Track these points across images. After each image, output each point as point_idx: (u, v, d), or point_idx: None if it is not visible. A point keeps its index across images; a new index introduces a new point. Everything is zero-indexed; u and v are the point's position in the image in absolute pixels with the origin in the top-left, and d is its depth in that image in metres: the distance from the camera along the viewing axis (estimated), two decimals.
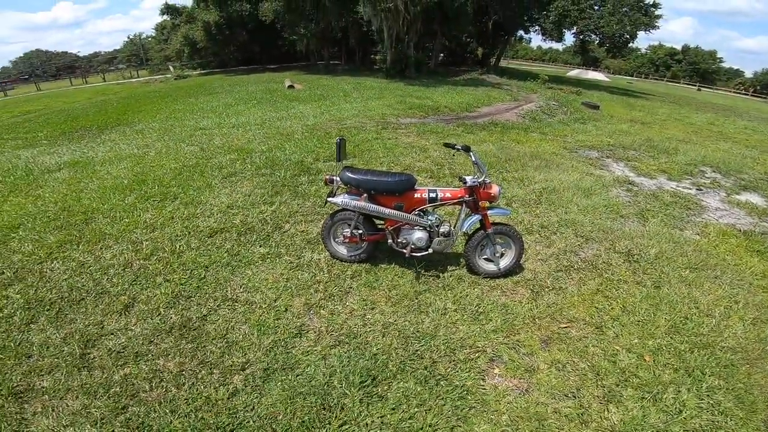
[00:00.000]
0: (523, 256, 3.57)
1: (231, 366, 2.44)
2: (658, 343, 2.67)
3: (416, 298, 3.07)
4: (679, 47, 65.83)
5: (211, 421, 2.09)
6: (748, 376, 2.46)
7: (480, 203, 3.12)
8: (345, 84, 15.39)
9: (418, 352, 2.57)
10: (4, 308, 2.98)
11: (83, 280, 3.27)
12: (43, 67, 68.22)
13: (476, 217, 3.17)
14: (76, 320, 2.84)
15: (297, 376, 2.37)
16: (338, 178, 3.25)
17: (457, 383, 2.35)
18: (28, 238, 3.97)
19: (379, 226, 3.43)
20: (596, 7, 20.61)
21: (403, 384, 2.33)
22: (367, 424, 2.09)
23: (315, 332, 2.73)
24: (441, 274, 3.36)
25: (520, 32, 27.31)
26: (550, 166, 6.34)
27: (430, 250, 3.25)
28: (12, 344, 2.63)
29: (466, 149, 3.04)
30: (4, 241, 3.93)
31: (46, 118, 11.97)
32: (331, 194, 3.33)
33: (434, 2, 16.49)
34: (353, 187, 3.20)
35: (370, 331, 2.75)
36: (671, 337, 2.74)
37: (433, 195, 3.18)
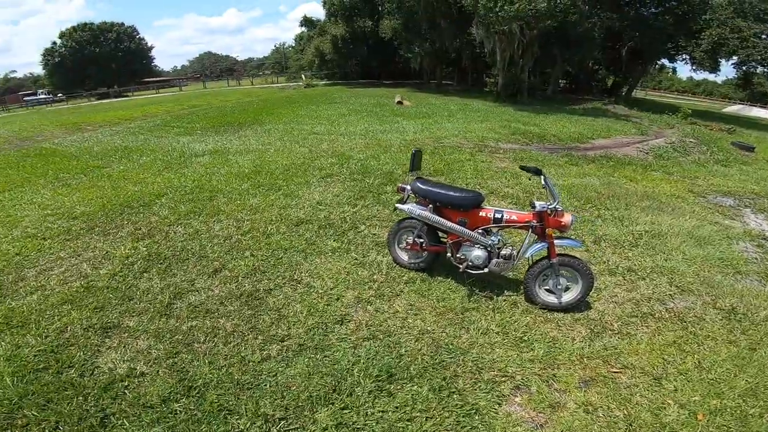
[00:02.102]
0: (593, 294, 3.32)
1: (274, 336, 2.81)
2: (724, 404, 2.33)
3: (461, 314, 3.09)
4: None
5: (236, 377, 2.45)
6: None
7: (548, 230, 3.00)
8: (452, 104, 15.63)
9: (444, 363, 2.61)
10: (131, 257, 3.88)
11: (193, 244, 4.06)
12: (210, 68, 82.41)
13: (542, 245, 3.05)
14: (176, 275, 3.54)
15: (324, 357, 2.61)
16: (409, 187, 3.42)
17: (470, 401, 2.34)
18: (166, 205, 5.04)
19: (442, 239, 3.51)
20: (764, 36, 17.19)
21: (416, 388, 2.40)
22: (366, 414, 2.22)
23: (355, 323, 2.95)
24: (495, 296, 3.31)
25: (664, 61, 24.26)
26: (662, 208, 5.62)
27: (486, 270, 3.22)
28: (123, 287, 3.40)
29: (537, 172, 2.98)
30: (149, 204, 5.06)
31: (205, 112, 14.68)
32: (401, 201, 3.50)
33: (553, 26, 15.67)
34: (421, 197, 3.34)
35: (405, 333, 2.86)
36: (743, 400, 2.36)
37: (498, 215, 3.15)
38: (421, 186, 3.34)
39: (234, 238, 4.19)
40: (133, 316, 3.03)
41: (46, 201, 5.67)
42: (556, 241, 3.04)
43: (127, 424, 2.18)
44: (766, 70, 19.17)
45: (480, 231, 3.21)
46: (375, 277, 3.52)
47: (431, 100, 17.38)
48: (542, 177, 2.98)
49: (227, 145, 8.11)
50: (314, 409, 2.23)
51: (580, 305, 3.17)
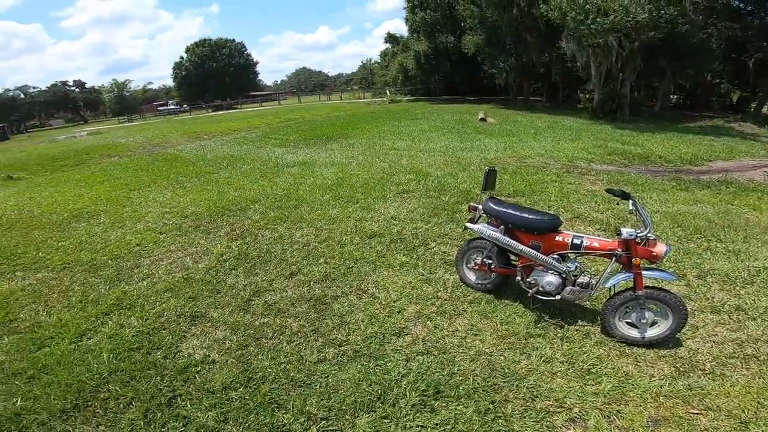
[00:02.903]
0: (686, 332, 2.95)
1: (333, 340, 2.95)
2: None
3: (525, 339, 2.94)
4: None
5: (291, 374, 2.62)
6: None
7: (635, 260, 2.71)
8: (539, 122, 14.86)
9: (496, 386, 2.51)
10: (225, 254, 4.36)
11: (276, 248, 4.44)
12: (305, 82, 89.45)
13: (627, 275, 2.77)
14: (258, 275, 3.91)
15: (376, 365, 2.68)
16: (481, 207, 3.35)
17: (516, 428, 2.21)
18: (258, 210, 5.58)
19: (512, 261, 3.38)
20: None
21: (461, 407, 2.34)
22: (404, 426, 2.21)
23: (412, 337, 2.97)
24: (566, 325, 3.08)
25: None
26: None
27: (558, 297, 3.01)
28: (214, 281, 3.83)
29: (625, 196, 2.74)
30: (245, 209, 5.64)
31: (298, 126, 16.00)
32: (472, 221, 3.44)
33: (658, 37, 13.99)
34: (493, 217, 3.26)
35: (461, 352, 2.81)
36: None
37: (577, 241, 2.94)
38: (493, 206, 3.26)
39: (311, 245, 4.49)
40: (217, 308, 3.42)
41: (166, 200, 6.66)
42: (646, 273, 2.75)
43: (189, 407, 2.44)
44: None
45: (555, 256, 3.02)
46: (439, 294, 3.51)
47: (517, 117, 16.75)
48: (631, 201, 2.72)
49: (315, 157, 8.72)
50: (356, 414, 2.30)
51: (667, 342, 2.84)
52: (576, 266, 3.00)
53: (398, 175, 6.92)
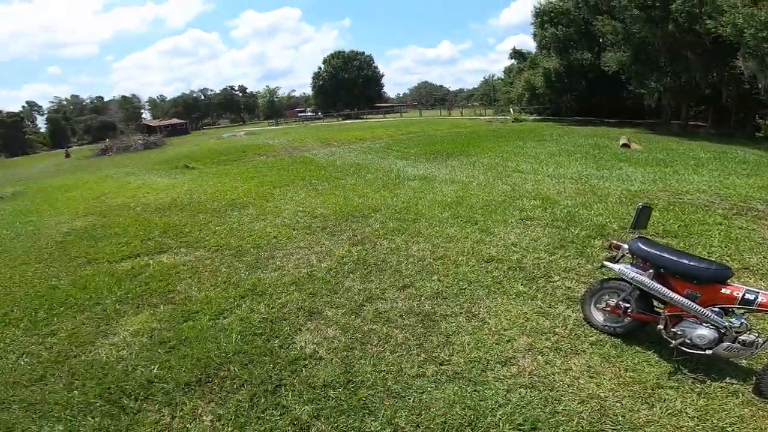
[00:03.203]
0: None
1: (435, 357, 2.91)
2: None
3: (651, 390, 2.58)
4: None
5: (388, 384, 2.65)
6: None
7: None
8: (702, 151, 12.47)
9: None
10: (345, 257, 4.66)
11: (392, 258, 4.59)
12: (426, 96, 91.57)
13: None
14: (373, 282, 4.07)
15: (474, 391, 2.58)
16: (626, 246, 3.06)
17: None
18: (379, 219, 5.85)
19: (656, 308, 3.01)
20: None
21: None
22: None
23: (518, 368, 2.80)
24: (709, 381, 2.63)
25: None
26: None
27: (710, 352, 2.61)
28: (333, 281, 4.11)
29: None
30: (366, 217, 5.98)
31: (419, 139, 16.44)
32: (612, 259, 3.16)
33: None
34: (641, 259, 2.94)
35: (570, 392, 2.57)
36: None
37: (750, 297, 2.51)
38: (643, 247, 2.92)
39: (426, 261, 4.52)
40: (332, 308, 3.66)
41: (300, 199, 7.48)
42: None
43: (290, 397, 2.62)
44: None
45: (716, 309, 2.63)
46: (557, 330, 3.23)
47: (671, 144, 14.37)
48: None
49: (435, 173, 8.82)
50: None
51: None
52: (741, 323, 2.60)
53: (522, 199, 6.55)
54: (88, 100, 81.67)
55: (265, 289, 4.10)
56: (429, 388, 2.64)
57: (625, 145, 13.63)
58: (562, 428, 2.32)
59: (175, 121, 59.00)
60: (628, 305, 3.02)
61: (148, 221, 6.84)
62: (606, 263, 3.14)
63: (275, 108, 75.18)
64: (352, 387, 2.69)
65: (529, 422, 2.35)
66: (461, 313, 3.52)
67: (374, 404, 2.54)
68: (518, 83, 33.73)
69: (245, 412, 2.55)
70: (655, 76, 19.17)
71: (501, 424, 2.35)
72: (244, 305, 3.82)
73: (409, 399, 2.57)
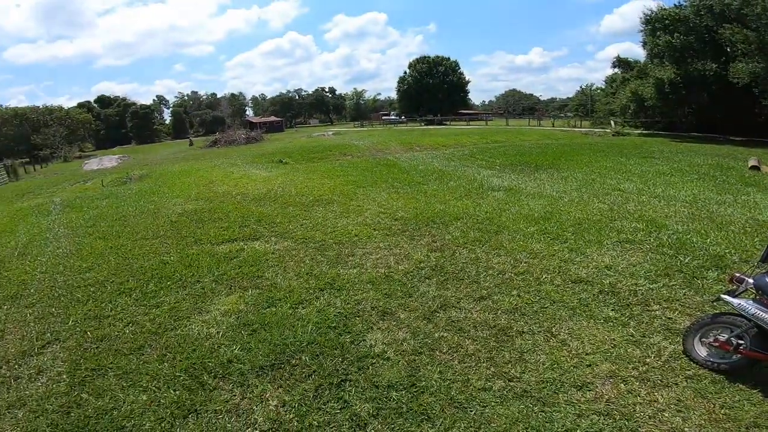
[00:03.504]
0: None
1: (504, 373, 2.80)
2: None
3: (746, 428, 2.31)
4: None
5: (452, 393, 2.62)
6: None
7: None
8: None
9: None
10: (423, 263, 4.66)
11: (471, 268, 4.49)
12: (513, 105, 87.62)
13: None
14: (449, 290, 4.02)
15: (541, 411, 2.45)
16: (751, 281, 2.80)
17: None
18: (459, 228, 5.75)
19: None
20: None
21: None
22: None
23: (595, 395, 2.59)
24: None
25: None
26: None
27: None
28: (408, 285, 4.13)
29: None
30: (447, 224, 5.91)
31: (504, 149, 15.83)
32: (731, 293, 2.89)
33: None
34: (767, 296, 2.68)
35: (651, 424, 2.44)
36: None
37: None
38: None
39: (507, 275, 4.34)
40: (405, 311, 3.69)
41: (382, 201, 7.67)
42: None
43: (353, 392, 2.67)
44: None
45: None
46: (648, 360, 2.93)
47: None
48: None
49: (521, 185, 8.41)
50: None
51: None
52: None
53: (621, 220, 5.94)
54: (204, 96, 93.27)
55: (344, 285, 4.26)
56: (493, 403, 2.56)
57: (754, 167, 11.59)
58: None
59: (272, 118, 64.67)
60: (741, 342, 2.80)
61: (247, 209, 7.56)
62: (724, 296, 2.94)
63: (361, 110, 78.23)
64: (415, 391, 2.69)
65: None
66: (539, 331, 3.34)
67: (434, 411, 2.52)
68: (622, 94, 30.98)
69: (309, 401, 2.64)
70: None
71: None
72: (322, 298, 4.01)
73: (471, 411, 2.51)
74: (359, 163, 13.73)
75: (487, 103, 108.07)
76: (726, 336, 2.89)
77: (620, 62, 34.62)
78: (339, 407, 2.59)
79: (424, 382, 2.76)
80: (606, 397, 2.62)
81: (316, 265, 4.85)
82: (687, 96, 24.26)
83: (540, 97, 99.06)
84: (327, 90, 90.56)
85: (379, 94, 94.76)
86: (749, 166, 11.93)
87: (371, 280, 4.35)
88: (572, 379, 2.77)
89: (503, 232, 5.59)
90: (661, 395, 2.63)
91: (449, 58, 59.05)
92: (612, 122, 30.56)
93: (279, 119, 64.71)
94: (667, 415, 2.48)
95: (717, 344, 2.87)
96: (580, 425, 2.39)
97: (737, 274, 3.00)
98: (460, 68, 59.52)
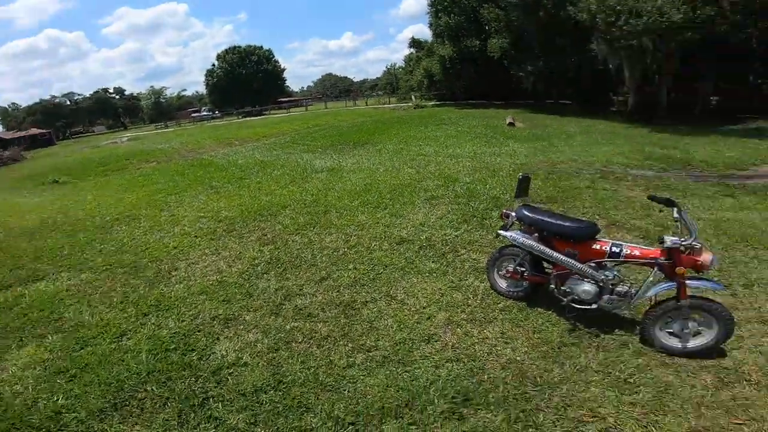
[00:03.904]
0: (735, 343, 2.82)
1: (362, 345, 2.97)
2: None
3: (558, 348, 2.88)
4: None
5: (320, 378, 2.66)
6: None
7: (678, 269, 2.60)
8: (571, 126, 14.45)
9: (527, 395, 2.46)
10: (256, 259, 4.46)
11: (306, 253, 4.51)
12: (331, 89, 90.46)
13: (669, 285, 2.69)
14: (289, 279, 3.98)
15: (404, 371, 2.68)
16: (514, 214, 3.32)
17: None
18: (289, 215, 5.69)
19: (546, 269, 3.32)
20: None
21: (490, 416, 2.32)
22: None
23: (442, 344, 2.96)
24: (601, 334, 2.99)
25: None
26: None
27: (595, 306, 2.94)
28: (247, 285, 3.93)
29: (670, 203, 2.67)
30: (276, 214, 5.77)
31: (324, 132, 16.25)
32: (505, 228, 3.40)
33: (697, 38, 13.31)
34: (527, 225, 3.22)
35: (492, 360, 2.79)
36: None
37: (616, 249, 2.87)
38: (527, 213, 3.23)
39: (341, 251, 4.53)
40: (250, 312, 3.51)
41: (201, 204, 6.90)
42: (690, 282, 2.65)
43: (221, 408, 2.50)
44: None
45: (592, 264, 2.95)
46: (469, 301, 3.48)
47: (546, 121, 16.36)
48: (675, 209, 2.62)
49: (343, 163, 8.82)
50: (383, 420, 2.31)
51: (711, 352, 2.73)
52: (614, 275, 2.93)
53: (426, 181, 6.90)
54: None
55: (172, 303, 3.76)
56: (361, 377, 2.66)
57: (510, 124, 15.14)
58: (491, 396, 2.46)
59: (35, 131, 49.61)
60: (523, 269, 3.30)
61: (15, 248, 5.73)
62: (500, 232, 3.39)
63: (163, 109, 67.42)
64: (284, 387, 2.62)
65: (461, 394, 2.47)
66: (380, 297, 3.60)
67: (310, 401, 2.50)
68: (417, 71, 35.03)
69: (176, 428, 2.38)
70: (530, 61, 21.48)
71: (436, 400, 2.44)
72: (149, 323, 3.48)
73: (344, 390, 2.57)
74: (168, 168, 11.95)
75: (305, 89, 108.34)
76: (512, 266, 3.33)
77: (414, 43, 38.16)
78: (213, 426, 2.37)
79: (290, 377, 2.70)
80: (450, 344, 2.97)
81: (131, 291, 4.09)
82: (462, 70, 29.25)
83: (353, 79, 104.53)
84: (112, 91, 74.53)
85: (185, 90, 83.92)
86: (507, 123, 15.49)
87: (203, 291, 3.93)
88: (420, 335, 3.06)
89: (331, 210, 5.78)
90: (489, 331, 3.10)
91: (262, 47, 57.41)
92: (413, 96, 34.57)
93: (45, 131, 50.04)
94: (499, 348, 2.92)
95: (509, 275, 3.38)
96: (440, 375, 2.62)
97: (505, 211, 3.45)
98: (274, 56, 58.54)
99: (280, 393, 2.57)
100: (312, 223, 5.40)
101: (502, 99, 29.64)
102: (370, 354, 2.88)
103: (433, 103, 31.68)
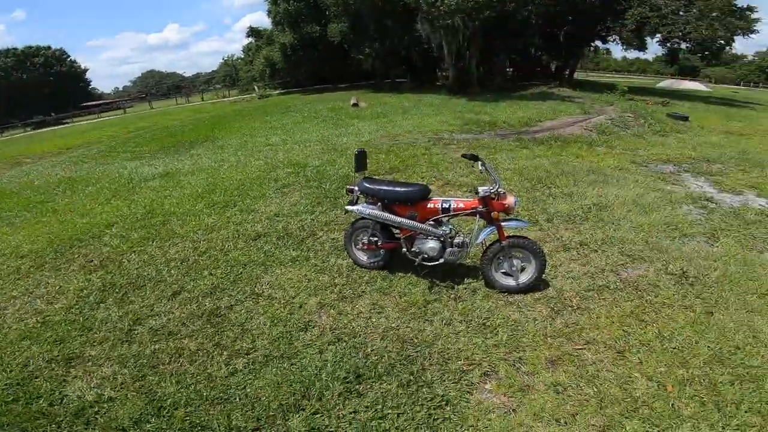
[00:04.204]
0: (553, 273, 3.43)
1: (239, 350, 2.81)
2: (691, 374, 2.40)
3: (424, 307, 3.14)
4: None
5: (204, 394, 2.45)
6: None
7: (493, 214, 3.09)
8: (406, 101, 15.80)
9: (411, 358, 2.65)
10: (85, 289, 3.72)
11: (149, 270, 3.93)
12: (156, 86, 78.83)
13: (490, 229, 3.14)
14: (134, 302, 3.45)
15: (291, 365, 2.64)
16: (357, 188, 3.47)
17: (440, 392, 2.37)
18: (117, 234, 4.82)
19: (396, 235, 3.55)
20: (680, 13, 18.33)
21: (385, 386, 2.43)
22: (338, 416, 2.25)
23: (320, 329, 2.98)
24: (455, 285, 3.38)
25: (597, 42, 25.57)
26: (608, 181, 5.95)
27: (442, 260, 3.28)
28: (81, 319, 3.29)
29: (474, 158, 3.09)
30: (99, 236, 4.83)
31: (152, 134, 14.08)
32: (351, 203, 3.54)
33: (493, 17, 16.13)
34: (369, 196, 3.40)
35: (370, 333, 2.91)
36: (710, 368, 2.44)
37: (446, 205, 3.23)
38: (367, 185, 3.40)
39: (191, 260, 4.09)
40: (94, 346, 2.98)
41: None
42: (503, 224, 3.13)
43: None
44: (689, 45, 20.38)
45: (431, 223, 3.27)
46: (336, 281, 3.54)
47: (386, 99, 17.50)
48: (479, 162, 3.08)
49: (178, 166, 7.82)
50: (286, 417, 2.25)
51: (539, 284, 3.26)
52: (450, 228, 3.28)
53: (276, 170, 6.67)
54: None
55: None
56: (248, 381, 2.51)
57: (355, 105, 15.72)
58: (379, 367, 2.55)
59: None
60: (376, 239, 3.47)
61: None
62: (347, 207, 3.52)
63: None
64: (167, 413, 2.32)
65: (352, 372, 2.51)
66: (246, 298, 3.40)
67: (202, 418, 2.27)
68: (258, 60, 33.47)
69: None
70: (368, 43, 22.45)
71: (330, 384, 2.43)
72: None
73: (235, 399, 2.39)
74: None
75: (122, 89, 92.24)
76: (366, 238, 3.48)
77: (253, 32, 36.24)
78: None
79: (169, 399, 2.40)
80: (328, 326, 2.96)
81: None
82: (304, 56, 28.87)
83: (184, 74, 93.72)
84: None
85: None
86: (351, 104, 16.01)
87: (25, 336, 3.14)
88: (296, 325, 2.99)
89: (171, 219, 5.11)
90: (361, 306, 3.18)
91: (50, 47, 47.92)
92: (255, 87, 32.89)
93: None
94: (374, 320, 3.00)
95: (366, 247, 3.52)
96: (327, 360, 2.62)
97: (348, 187, 3.58)
98: (69, 56, 49.59)
99: (165, 419, 2.29)
100: (149, 237, 4.68)
101: (346, 82, 30.51)
102: (251, 356, 2.73)
103: (278, 92, 30.65)
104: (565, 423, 2.15)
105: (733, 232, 4.31)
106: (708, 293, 3.19)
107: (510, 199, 3.08)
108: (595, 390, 2.35)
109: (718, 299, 3.11)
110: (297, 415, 2.25)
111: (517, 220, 3.27)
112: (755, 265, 3.60)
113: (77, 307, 3.48)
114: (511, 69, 27.47)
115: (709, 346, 2.61)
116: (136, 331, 3.09)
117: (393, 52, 23.64)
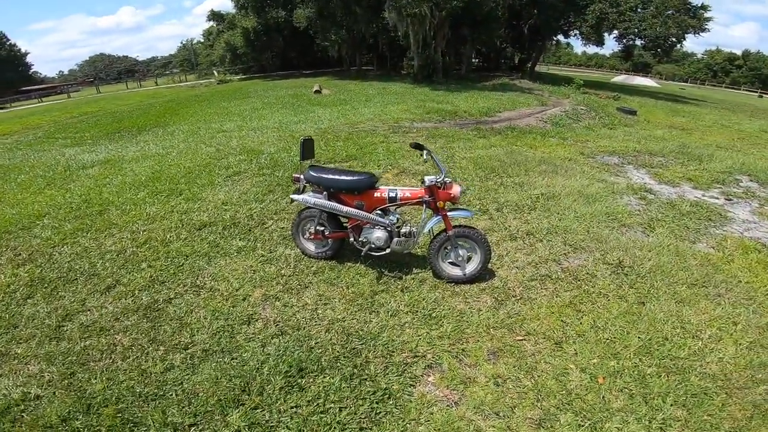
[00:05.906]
0: (499, 262, 3.47)
1: (176, 345, 2.68)
2: (621, 365, 2.47)
3: (371, 298, 3.10)
4: (740, 53, 61.34)
5: (137, 390, 2.33)
6: (720, 408, 2.20)
7: (439, 203, 3.08)
8: (370, 89, 15.64)
9: (355, 350, 2.62)
10: (12, 284, 3.42)
11: (81, 263, 3.66)
12: (105, 70, 73.69)
13: (437, 218, 3.13)
14: (65, 297, 3.21)
15: (231, 359, 2.54)
16: (303, 177, 3.37)
17: (383, 386, 2.35)
18: (49, 225, 4.46)
19: (344, 224, 3.50)
20: (638, 10, 19.25)
21: (328, 379, 2.39)
22: (279, 411, 2.19)
23: (263, 322, 2.88)
24: (403, 276, 3.37)
25: (559, 37, 26.34)
26: (557, 171, 6.14)
27: (389, 250, 3.24)
28: (6, 316, 3.03)
29: (419, 147, 3.06)
30: (29, 227, 4.45)
31: (96, 119, 13.15)
32: (297, 192, 3.43)
33: (460, 6, 16.24)
34: (316, 185, 3.31)
35: (315, 325, 2.85)
36: (639, 359, 2.52)
37: (393, 194, 3.20)
38: (313, 174, 3.31)
39: (128, 251, 3.85)
40: (20, 343, 2.78)
41: None
42: (450, 213, 3.13)
43: None
44: (643, 42, 21.40)
45: (378, 212, 3.23)
46: (283, 271, 3.44)
47: (350, 86, 17.24)
48: (425, 152, 3.05)
49: (122, 153, 7.33)
50: (225, 412, 2.18)
51: (485, 274, 3.29)
52: (397, 218, 3.25)
53: (227, 158, 6.40)
54: None
55: None
56: (185, 376, 2.40)
57: (317, 92, 15.38)
58: (323, 360, 2.50)
59: None
60: (323, 228, 3.38)
61: None
62: (293, 196, 3.39)
63: None
64: (96, 410, 2.20)
65: (295, 366, 2.44)
66: (186, 290, 3.23)
67: (135, 415, 2.17)
68: (219, 45, 32.49)
69: None
70: (334, 30, 21.96)
71: (271, 378, 2.36)
72: None
73: (171, 394, 2.28)
74: None
75: (67, 73, 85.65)
76: (314, 227, 3.36)
77: (214, 15, 35.17)
78: None
79: (99, 396, 2.28)
80: (272, 319, 2.87)
81: None
82: (269, 41, 27.96)
83: (137, 58, 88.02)
84: None
85: None
86: (314, 91, 15.65)
87: None
88: (238, 318, 2.88)
89: (109, 209, 4.79)
90: (307, 297, 3.09)
91: None
92: (215, 72, 31.64)
93: None
94: (320, 312, 2.93)
95: (313, 237, 3.40)
96: (269, 353, 2.54)
97: (294, 175, 3.45)
98: (8, 39, 46.87)
99: (95, 416, 2.17)
100: (84, 227, 4.36)
101: (311, 68, 29.83)
102: (189, 351, 2.60)
103: (240, 76, 29.52)
104: (504, 416, 2.18)
105: (668, 223, 4.53)
106: (641, 283, 3.32)
107: (455, 189, 3.07)
108: (533, 382, 2.38)
109: (650, 289, 3.23)
110: (236, 410, 2.18)
111: (461, 209, 3.26)
112: (686, 255, 3.79)
113: (2, 303, 3.21)
114: (477, 59, 27.81)
115: (639, 337, 2.70)
116: (65, 328, 2.89)
117: (360, 40, 23.31)
